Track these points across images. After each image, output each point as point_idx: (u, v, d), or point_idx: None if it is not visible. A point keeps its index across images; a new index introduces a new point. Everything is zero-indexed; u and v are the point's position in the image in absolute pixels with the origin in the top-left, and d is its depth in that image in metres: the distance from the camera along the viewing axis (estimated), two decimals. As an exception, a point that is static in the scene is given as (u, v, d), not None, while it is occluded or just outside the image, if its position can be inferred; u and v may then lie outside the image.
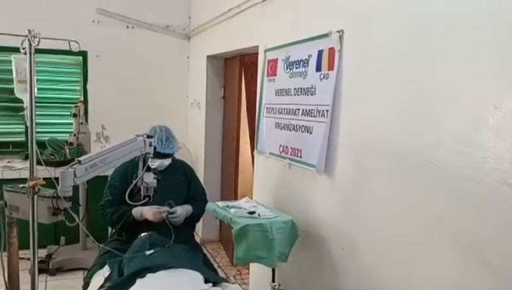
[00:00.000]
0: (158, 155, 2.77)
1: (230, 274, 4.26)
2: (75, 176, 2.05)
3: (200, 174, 5.07)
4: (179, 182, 2.96)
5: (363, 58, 2.26)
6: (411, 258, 1.94)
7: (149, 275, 2.11)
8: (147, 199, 2.51)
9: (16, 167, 4.35)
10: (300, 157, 2.84)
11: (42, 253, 4.25)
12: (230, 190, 4.70)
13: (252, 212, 2.59)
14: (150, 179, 2.51)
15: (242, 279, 4.17)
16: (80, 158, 2.12)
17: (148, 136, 2.48)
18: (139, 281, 2.09)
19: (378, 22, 2.16)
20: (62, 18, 4.80)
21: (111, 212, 2.80)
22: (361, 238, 2.26)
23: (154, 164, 2.70)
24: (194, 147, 5.21)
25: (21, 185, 2.21)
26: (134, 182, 2.48)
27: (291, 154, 2.97)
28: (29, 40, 1.97)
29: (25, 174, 3.61)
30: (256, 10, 3.55)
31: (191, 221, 2.91)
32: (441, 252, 1.77)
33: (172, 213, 2.71)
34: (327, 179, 2.53)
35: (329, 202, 2.55)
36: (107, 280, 2.30)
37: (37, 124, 5.16)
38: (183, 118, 5.49)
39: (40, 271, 4.03)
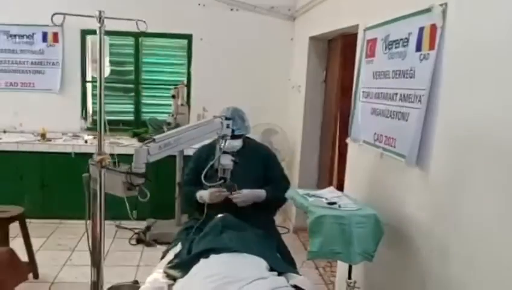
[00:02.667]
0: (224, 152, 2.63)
1: (320, 265, 4.08)
2: (148, 153, 2.05)
3: (296, 161, 4.95)
4: (254, 166, 2.83)
5: (470, 37, 1.92)
6: (509, 271, 1.60)
7: (212, 256, 2.12)
8: (223, 180, 2.46)
9: (123, 144, 4.63)
10: (394, 147, 2.56)
11: (142, 225, 4.51)
12: (327, 178, 4.50)
13: (333, 203, 2.39)
14: (226, 161, 2.45)
15: (332, 272, 3.98)
16: (155, 136, 2.11)
17: (227, 118, 2.41)
18: (202, 261, 2.11)
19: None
20: (170, 2, 4.96)
21: (185, 192, 2.90)
22: (454, 241, 1.95)
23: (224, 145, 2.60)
24: (293, 132, 5.09)
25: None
26: (210, 163, 2.44)
27: (385, 143, 2.69)
28: (99, 21, 1.98)
29: (131, 150, 3.85)
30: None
31: (266, 207, 2.79)
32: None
33: (233, 193, 2.63)
34: (419, 172, 2.23)
35: (420, 198, 2.25)
36: (175, 256, 2.33)
37: (143, 104, 5.57)
38: (284, 102, 5.39)
39: (138, 242, 4.32)
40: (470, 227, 1.86)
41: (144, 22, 2.15)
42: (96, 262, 2.31)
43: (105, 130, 2.11)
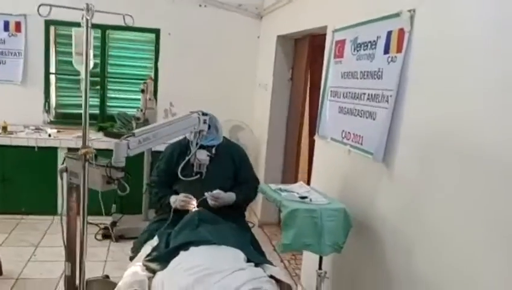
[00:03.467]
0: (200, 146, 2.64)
1: (285, 258, 4.20)
2: (128, 147, 2.09)
3: (262, 157, 5.05)
4: (226, 164, 2.86)
5: (435, 42, 2.06)
6: (472, 266, 1.75)
7: (192, 249, 2.18)
8: (198, 175, 2.51)
9: (90, 138, 4.56)
10: (361, 144, 2.69)
11: (108, 220, 4.48)
12: (292, 175, 4.63)
13: (304, 197, 2.49)
14: (203, 156, 2.52)
15: (296, 264, 4.11)
16: (134, 131, 2.14)
17: (204, 114, 2.46)
18: (182, 254, 2.16)
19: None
20: (138, -5, 4.93)
21: (154, 192, 2.86)
22: (418, 238, 2.09)
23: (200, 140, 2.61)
24: (259, 129, 5.18)
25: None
26: (187, 158, 2.49)
27: (352, 141, 2.82)
28: (86, 13, 1.99)
29: (96, 145, 3.81)
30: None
31: (236, 206, 2.84)
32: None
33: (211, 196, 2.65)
34: (385, 169, 2.37)
35: (385, 194, 2.39)
36: (154, 249, 2.36)
37: (110, 98, 5.49)
38: (250, 98, 5.47)
39: (104, 237, 4.29)
40: (431, 224, 2.00)
41: (131, 16, 2.17)
42: (72, 257, 2.32)
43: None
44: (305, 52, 4.42)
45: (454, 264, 1.85)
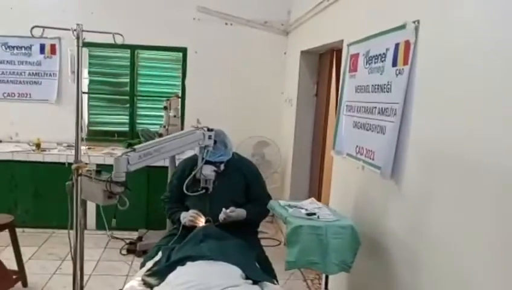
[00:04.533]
0: (207, 162, 2.61)
1: (308, 278, 4.10)
2: (128, 163, 2.12)
3: (288, 173, 5.00)
4: (235, 181, 2.84)
5: (440, 53, 1.98)
6: (475, 280, 1.64)
7: (188, 264, 2.17)
8: (204, 190, 2.51)
9: (116, 154, 4.68)
10: (373, 159, 2.61)
11: (134, 235, 4.56)
12: (317, 190, 4.55)
13: (312, 214, 2.44)
14: (208, 171, 2.51)
15: (320, 284, 4.00)
16: (135, 146, 2.18)
17: (209, 129, 2.47)
18: (178, 268, 2.16)
19: (461, 11, 1.86)
20: (165, 16, 5.08)
21: (167, 208, 2.90)
22: (423, 252, 1.99)
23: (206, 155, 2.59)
24: (285, 145, 5.15)
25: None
26: (193, 173, 2.50)
27: (365, 156, 2.75)
28: (77, 33, 2.06)
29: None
30: (342, 3, 3.37)
31: (247, 223, 2.80)
32: None
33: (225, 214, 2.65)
34: (394, 185, 2.29)
35: (394, 210, 2.31)
36: (154, 264, 2.38)
37: (139, 115, 5.63)
38: (277, 115, 5.46)
39: (129, 252, 4.36)
40: (436, 239, 1.91)
41: (121, 35, 2.23)
42: (76, 270, 2.37)
43: (82, 139, 2.17)
44: (328, 67, 4.37)
45: (455, 278, 1.75)
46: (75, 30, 2.05)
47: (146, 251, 4.34)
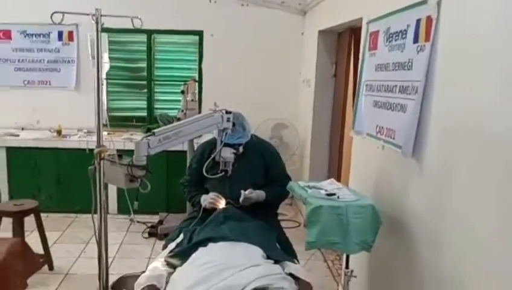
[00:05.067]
0: (226, 144, 2.62)
1: (329, 259, 4.12)
2: (148, 146, 2.13)
3: (307, 155, 4.98)
4: (254, 163, 2.84)
5: (462, 29, 1.92)
6: (494, 257, 1.62)
7: (210, 245, 2.20)
8: (224, 173, 2.52)
9: (136, 139, 4.72)
10: (394, 138, 2.57)
11: (155, 219, 4.62)
12: (336, 171, 4.52)
13: (332, 194, 2.42)
14: (227, 153, 2.51)
15: (340, 265, 4.01)
16: (154, 130, 2.19)
17: (227, 112, 2.46)
18: (200, 249, 2.19)
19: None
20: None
21: (187, 191, 2.94)
22: (444, 230, 1.97)
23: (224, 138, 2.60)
24: (303, 126, 5.12)
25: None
26: (212, 156, 2.51)
27: (385, 136, 2.71)
28: (96, 18, 2.06)
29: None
30: (360, -21, 3.29)
31: (266, 204, 2.82)
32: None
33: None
34: (415, 163, 2.25)
35: (415, 189, 2.27)
36: (177, 245, 2.41)
37: (157, 100, 5.66)
38: (294, 96, 5.42)
39: (150, 235, 4.43)
40: (457, 217, 1.88)
41: (140, 18, 2.22)
42: (101, 253, 2.41)
43: (105, 125, 2.19)
44: (347, 46, 4.30)
45: (477, 257, 1.73)
46: (94, 15, 2.05)
47: (167, 234, 4.39)
